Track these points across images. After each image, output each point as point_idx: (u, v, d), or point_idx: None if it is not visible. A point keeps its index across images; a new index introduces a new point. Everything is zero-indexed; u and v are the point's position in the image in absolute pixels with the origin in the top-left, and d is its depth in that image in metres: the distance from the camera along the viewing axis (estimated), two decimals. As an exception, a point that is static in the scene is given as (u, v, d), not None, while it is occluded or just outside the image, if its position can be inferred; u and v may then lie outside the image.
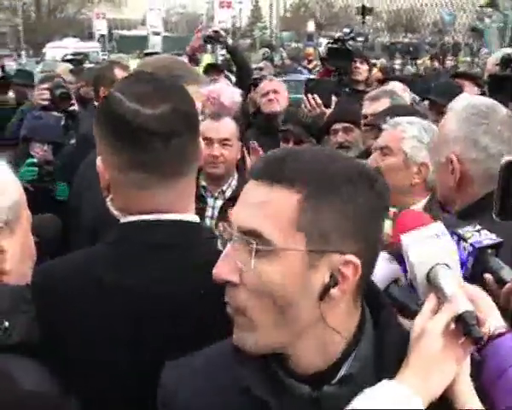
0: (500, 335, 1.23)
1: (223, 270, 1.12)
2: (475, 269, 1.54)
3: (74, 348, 1.49)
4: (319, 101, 4.44)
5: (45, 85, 4.42)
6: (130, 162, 1.50)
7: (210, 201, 3.47)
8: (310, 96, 4.47)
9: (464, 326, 1.07)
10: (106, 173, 1.55)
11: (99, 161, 1.56)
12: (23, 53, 41.24)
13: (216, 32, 5.82)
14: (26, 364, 1.40)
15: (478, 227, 1.59)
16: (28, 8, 54.72)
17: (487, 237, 1.56)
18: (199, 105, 2.34)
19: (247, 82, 5.69)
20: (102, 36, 41.40)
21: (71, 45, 30.44)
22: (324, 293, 1.09)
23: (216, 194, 3.47)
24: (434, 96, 4.70)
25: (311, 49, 19.43)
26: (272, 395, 1.13)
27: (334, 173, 1.11)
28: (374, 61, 21.52)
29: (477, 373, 1.16)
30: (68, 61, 8.63)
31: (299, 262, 1.08)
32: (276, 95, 5.02)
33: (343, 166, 1.13)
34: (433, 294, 1.16)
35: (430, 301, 1.15)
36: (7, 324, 1.40)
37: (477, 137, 1.94)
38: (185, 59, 5.17)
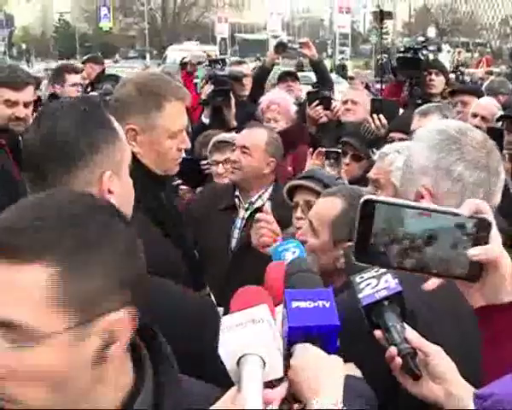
0: None
1: None
2: (371, 323, 1.35)
3: None
4: (384, 121, 4.28)
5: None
6: None
7: (241, 212, 3.42)
8: (375, 116, 4.32)
9: None
10: None
11: None
12: (147, 55, 43.11)
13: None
14: None
15: (381, 271, 1.35)
16: (154, 13, 57.05)
17: (384, 287, 1.34)
18: (184, 121, 2.31)
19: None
20: (224, 39, 42.17)
21: (191, 48, 31.36)
22: (98, 358, 0.99)
23: (246, 205, 3.41)
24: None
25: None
26: None
27: (82, 232, 0.99)
28: (495, 68, 20.60)
29: None
30: (185, 64, 8.64)
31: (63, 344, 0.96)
32: (354, 105, 4.80)
33: (93, 219, 1.02)
34: (234, 388, 1.07)
35: (228, 393, 1.06)
36: None
37: (449, 166, 1.63)
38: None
